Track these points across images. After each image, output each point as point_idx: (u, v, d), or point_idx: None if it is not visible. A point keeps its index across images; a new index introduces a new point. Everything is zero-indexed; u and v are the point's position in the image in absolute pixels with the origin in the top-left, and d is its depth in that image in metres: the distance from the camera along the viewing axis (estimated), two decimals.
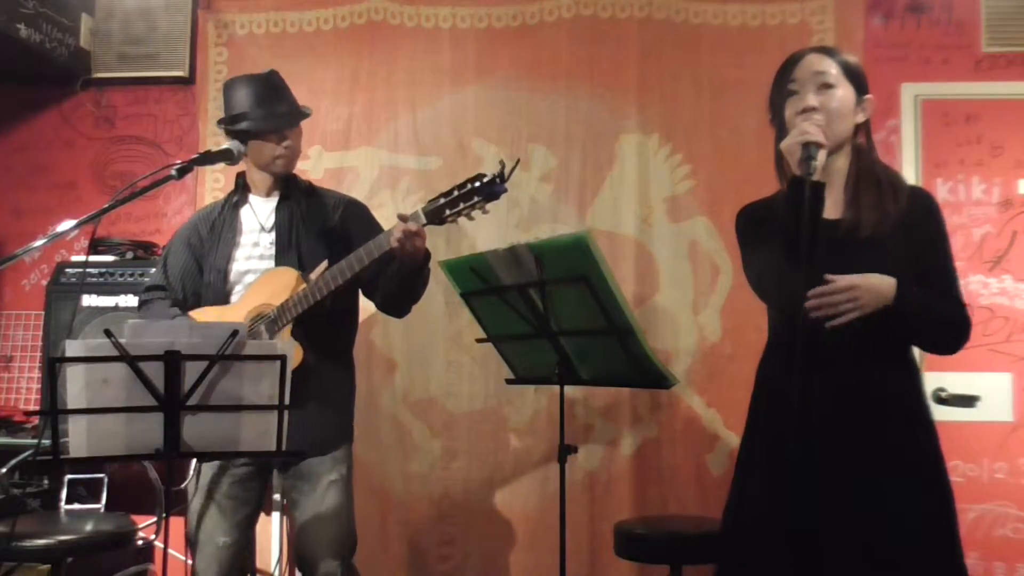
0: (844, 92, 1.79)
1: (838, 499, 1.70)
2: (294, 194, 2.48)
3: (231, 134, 2.42)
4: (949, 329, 1.80)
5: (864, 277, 1.68)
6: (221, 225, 2.48)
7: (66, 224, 2.15)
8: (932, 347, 1.88)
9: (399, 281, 2.32)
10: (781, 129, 1.83)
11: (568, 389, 2.23)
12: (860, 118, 1.83)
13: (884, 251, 1.74)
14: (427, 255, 2.29)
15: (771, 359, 1.91)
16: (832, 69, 1.79)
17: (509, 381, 2.42)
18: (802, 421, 1.55)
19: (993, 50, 3.36)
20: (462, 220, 2.17)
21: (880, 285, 1.68)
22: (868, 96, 1.84)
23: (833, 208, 1.80)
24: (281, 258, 2.40)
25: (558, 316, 2.11)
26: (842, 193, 1.82)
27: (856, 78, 1.82)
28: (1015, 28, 3.35)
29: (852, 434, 1.73)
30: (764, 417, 1.87)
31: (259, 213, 2.47)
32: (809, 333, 1.65)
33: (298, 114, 2.50)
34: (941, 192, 3.35)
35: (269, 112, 2.42)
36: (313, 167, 3.41)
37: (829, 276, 1.66)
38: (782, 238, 1.65)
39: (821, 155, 1.66)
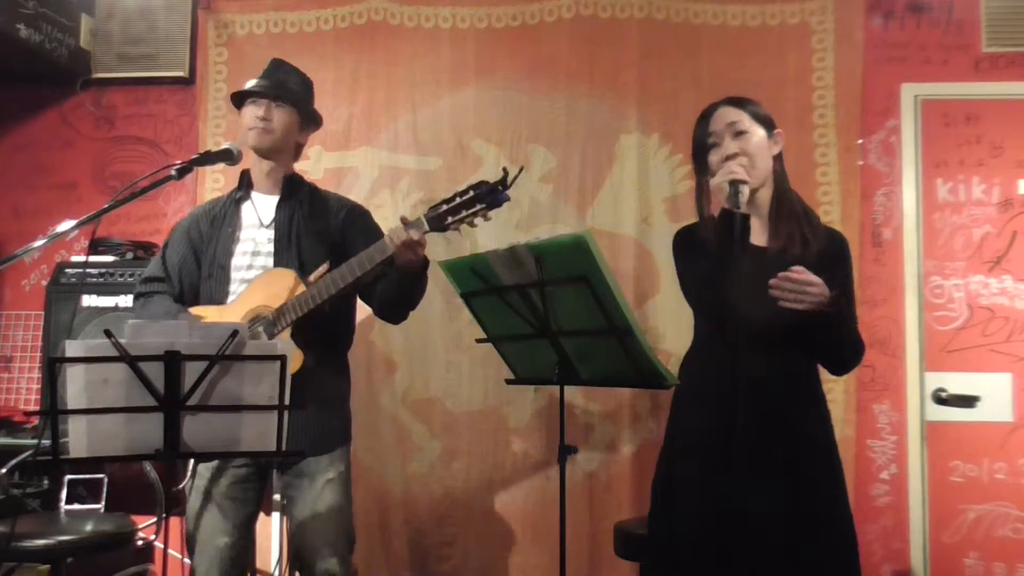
0: (757, 135, 2.02)
1: (760, 489, 1.89)
2: (297, 194, 2.46)
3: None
4: (856, 348, 2.06)
5: (818, 278, 1.85)
6: (222, 220, 2.45)
7: (66, 224, 2.15)
8: (835, 361, 2.09)
9: (397, 288, 2.31)
10: (703, 173, 2.09)
11: (568, 389, 2.23)
12: (775, 150, 2.06)
13: None
14: (425, 262, 2.28)
15: (694, 363, 2.17)
16: (742, 118, 2.02)
17: (509, 381, 2.42)
18: (730, 411, 1.80)
19: (993, 50, 3.36)
20: (463, 225, 2.16)
21: (826, 289, 1.85)
22: (778, 130, 2.07)
23: (760, 235, 2.06)
24: (281, 257, 2.38)
25: (558, 316, 2.10)
26: (767, 221, 2.05)
27: (764, 120, 2.06)
28: (1015, 28, 3.35)
29: (770, 424, 1.94)
30: (687, 416, 2.10)
31: (260, 209, 2.45)
32: (739, 338, 1.82)
33: (281, 88, 2.44)
34: (941, 192, 3.35)
35: (256, 80, 2.46)
36: (313, 167, 3.41)
37: (795, 268, 1.84)
38: (714, 260, 1.94)
39: (745, 190, 1.89)
